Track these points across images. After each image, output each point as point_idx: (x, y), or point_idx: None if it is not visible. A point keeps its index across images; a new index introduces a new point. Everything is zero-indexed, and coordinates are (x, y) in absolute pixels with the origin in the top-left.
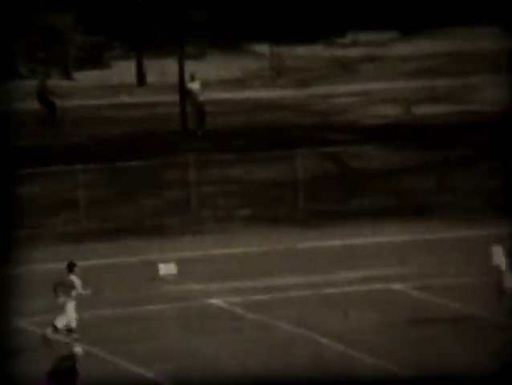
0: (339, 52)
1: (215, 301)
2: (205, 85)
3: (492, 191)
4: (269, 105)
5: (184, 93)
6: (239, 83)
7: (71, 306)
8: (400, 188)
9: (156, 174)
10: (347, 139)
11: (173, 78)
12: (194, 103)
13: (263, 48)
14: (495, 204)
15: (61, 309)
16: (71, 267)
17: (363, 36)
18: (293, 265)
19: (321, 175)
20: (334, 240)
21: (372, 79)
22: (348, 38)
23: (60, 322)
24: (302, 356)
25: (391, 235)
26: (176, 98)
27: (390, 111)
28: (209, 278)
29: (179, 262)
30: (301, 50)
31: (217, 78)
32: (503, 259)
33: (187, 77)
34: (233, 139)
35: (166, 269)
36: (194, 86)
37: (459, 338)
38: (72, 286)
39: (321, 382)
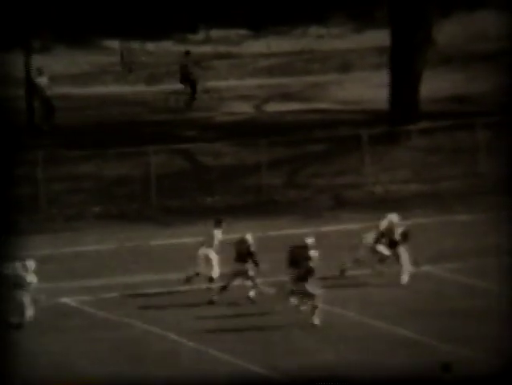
0: (191, 48)
1: (66, 300)
2: (53, 80)
3: (343, 187)
4: (120, 100)
5: (31, 87)
6: (88, 77)
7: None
8: (254, 185)
9: (3, 171)
10: (200, 136)
11: (17, 72)
12: (41, 98)
13: (113, 43)
14: (346, 200)
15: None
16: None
17: (214, 33)
18: (146, 263)
19: (174, 172)
20: (187, 237)
21: (225, 76)
22: (200, 35)
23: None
24: (156, 353)
25: (250, 231)
26: (21, 92)
27: (243, 109)
28: (59, 277)
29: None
30: (152, 46)
31: (65, 72)
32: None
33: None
34: (82, 135)
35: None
36: (42, 80)
37: None
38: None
39: (177, 381)
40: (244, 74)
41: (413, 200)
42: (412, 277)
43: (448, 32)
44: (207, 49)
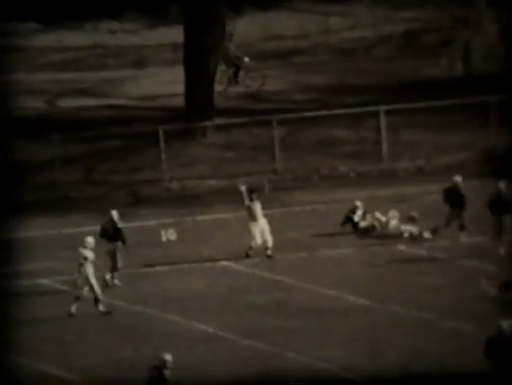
0: None
1: None
2: None
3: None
4: None
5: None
6: None
7: None
8: (47, 181)
9: None
10: None
11: None
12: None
13: None
14: (143, 196)
15: None
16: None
17: (1, 25)
18: None
19: None
20: None
21: (12, 70)
22: None
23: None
24: None
25: (42, 229)
26: None
27: (33, 103)
28: None
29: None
30: None
31: None
32: None
33: None
34: None
35: None
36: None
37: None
38: None
39: None
40: (33, 69)
41: (211, 196)
42: (211, 271)
43: (241, 31)
44: None
